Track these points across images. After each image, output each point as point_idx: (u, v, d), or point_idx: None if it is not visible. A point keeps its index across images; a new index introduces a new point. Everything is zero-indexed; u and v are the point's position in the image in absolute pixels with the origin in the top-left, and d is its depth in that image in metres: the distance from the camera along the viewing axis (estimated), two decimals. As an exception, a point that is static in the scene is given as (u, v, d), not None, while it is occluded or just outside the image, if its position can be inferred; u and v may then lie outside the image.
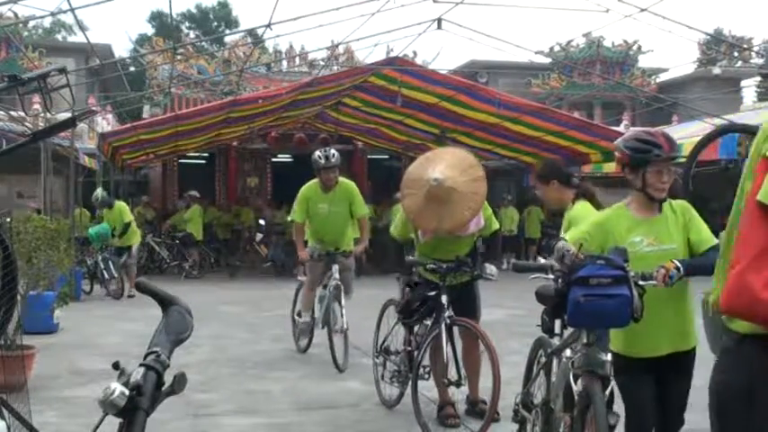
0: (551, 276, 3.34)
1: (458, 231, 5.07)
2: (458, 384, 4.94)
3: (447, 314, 4.90)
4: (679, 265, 3.23)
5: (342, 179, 7.09)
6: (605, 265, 3.13)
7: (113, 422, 1.38)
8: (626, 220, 3.43)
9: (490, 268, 5.19)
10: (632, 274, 3.17)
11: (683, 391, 3.42)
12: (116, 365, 1.42)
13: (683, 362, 3.40)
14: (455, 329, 5.01)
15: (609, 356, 3.24)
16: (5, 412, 3.48)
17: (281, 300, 12.44)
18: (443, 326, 4.86)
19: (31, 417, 3.90)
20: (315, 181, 7.02)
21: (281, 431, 5.19)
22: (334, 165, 6.79)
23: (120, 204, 13.23)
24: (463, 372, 4.95)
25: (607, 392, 3.18)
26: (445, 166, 4.86)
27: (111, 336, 8.70)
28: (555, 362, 3.74)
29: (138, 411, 1.37)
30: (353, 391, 6.25)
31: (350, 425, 5.31)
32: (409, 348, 5.31)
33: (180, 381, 1.45)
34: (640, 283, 3.18)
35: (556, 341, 3.74)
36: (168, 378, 1.45)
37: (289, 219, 7.14)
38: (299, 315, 7.55)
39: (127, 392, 1.36)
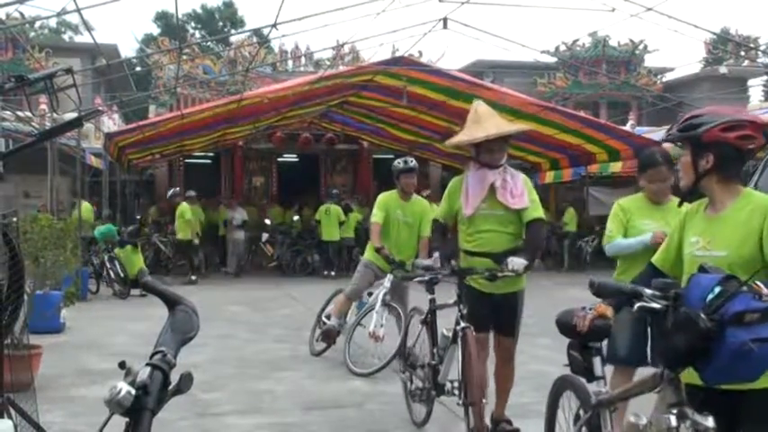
0: (657, 305, 2.49)
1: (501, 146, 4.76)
2: (472, 404, 4.42)
3: (461, 326, 4.50)
4: None
5: (416, 195, 7.21)
6: (748, 292, 2.35)
7: (120, 422, 1.38)
8: (697, 215, 2.82)
9: (513, 262, 4.46)
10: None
11: None
12: (122, 365, 1.42)
13: (750, 403, 2.54)
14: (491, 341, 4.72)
15: (712, 421, 2.44)
16: (12, 411, 3.49)
17: (287, 299, 12.49)
18: (459, 339, 4.50)
19: (38, 416, 3.92)
20: (393, 191, 7.17)
21: (286, 431, 5.19)
22: (412, 168, 6.97)
23: None
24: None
25: None
26: None
27: (117, 335, 8.72)
28: (606, 416, 3.06)
29: (144, 411, 1.37)
30: (358, 390, 6.25)
31: (355, 425, 5.31)
32: (433, 362, 4.88)
33: (186, 380, 1.45)
34: None
35: (595, 387, 3.07)
36: (174, 377, 1.45)
37: (371, 220, 7.13)
38: (328, 318, 7.46)
39: (133, 392, 1.36)
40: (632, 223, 4.42)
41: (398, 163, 7.05)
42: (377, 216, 7.01)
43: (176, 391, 1.44)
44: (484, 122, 4.79)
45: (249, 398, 5.99)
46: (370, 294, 7.16)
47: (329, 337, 7.29)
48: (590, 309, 2.91)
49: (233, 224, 16.91)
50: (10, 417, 3.46)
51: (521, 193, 4.72)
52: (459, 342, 4.47)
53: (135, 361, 1.45)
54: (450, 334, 4.63)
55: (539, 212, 4.80)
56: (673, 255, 2.87)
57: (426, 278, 4.80)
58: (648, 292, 2.54)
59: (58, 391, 6.03)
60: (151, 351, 1.47)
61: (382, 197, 7.18)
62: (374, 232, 6.96)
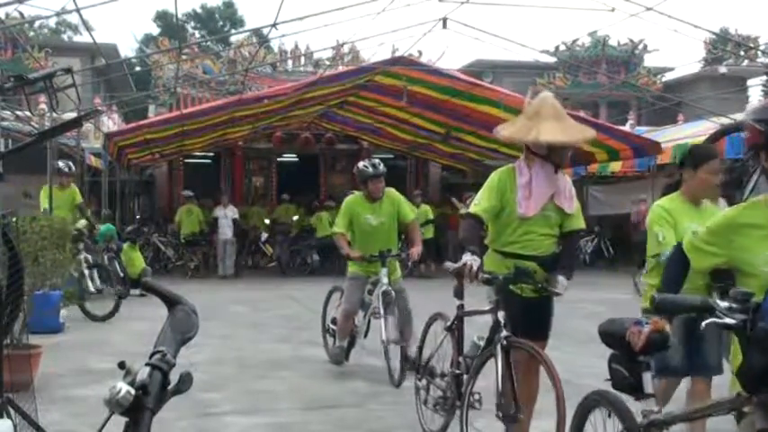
0: (731, 321, 2.24)
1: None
2: (514, 419, 4.08)
3: (503, 334, 4.09)
4: None
5: (386, 189, 6.89)
6: None
7: (119, 421, 1.38)
8: (763, 223, 2.54)
9: (561, 284, 4.24)
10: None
11: None
12: (122, 365, 1.43)
13: None
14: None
15: None
16: (12, 411, 3.50)
17: (286, 299, 12.49)
18: (499, 348, 4.08)
19: (37, 416, 3.92)
20: (359, 193, 6.89)
21: (286, 430, 5.19)
22: (381, 173, 6.68)
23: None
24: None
25: None
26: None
27: (116, 335, 8.71)
28: None
29: (143, 411, 1.38)
30: (358, 390, 6.25)
31: (355, 424, 5.31)
32: (458, 372, 4.55)
33: (185, 380, 1.45)
34: None
35: (643, 406, 2.81)
36: (174, 377, 1.45)
37: (331, 231, 6.83)
38: (334, 322, 7.19)
39: (133, 392, 1.36)
40: (679, 226, 4.04)
41: (367, 168, 6.69)
42: (339, 226, 6.75)
43: (176, 390, 1.45)
44: (547, 120, 4.32)
45: (249, 398, 5.99)
46: (370, 293, 6.90)
47: (340, 362, 7.01)
48: (646, 323, 2.66)
49: (222, 223, 16.45)
50: (9, 417, 3.46)
51: (570, 197, 4.46)
52: (501, 352, 4.07)
53: (134, 361, 1.45)
54: (482, 342, 4.31)
55: (581, 222, 4.59)
56: (720, 262, 2.73)
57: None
58: (723, 305, 2.26)
59: (58, 390, 6.03)
60: (151, 351, 1.47)
61: (348, 203, 6.86)
62: (341, 242, 6.69)
